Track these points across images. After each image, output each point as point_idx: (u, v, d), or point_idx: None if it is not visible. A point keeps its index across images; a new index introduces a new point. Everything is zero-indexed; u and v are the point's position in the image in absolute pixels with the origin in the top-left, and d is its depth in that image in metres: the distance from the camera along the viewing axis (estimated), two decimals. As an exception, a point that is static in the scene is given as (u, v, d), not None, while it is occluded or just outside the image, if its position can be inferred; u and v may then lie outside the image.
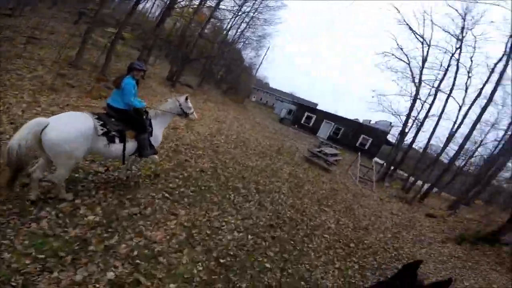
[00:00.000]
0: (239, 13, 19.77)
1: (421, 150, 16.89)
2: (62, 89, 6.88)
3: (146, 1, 21.76)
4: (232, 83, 25.77)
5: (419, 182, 14.99)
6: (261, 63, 28.93)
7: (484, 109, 12.62)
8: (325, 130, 27.98)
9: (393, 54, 16.95)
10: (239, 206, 4.81)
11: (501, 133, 15.73)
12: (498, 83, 12.36)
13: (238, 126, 13.16)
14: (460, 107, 14.07)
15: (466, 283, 5.24)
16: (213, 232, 3.66)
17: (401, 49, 16.53)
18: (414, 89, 16.01)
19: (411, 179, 15.10)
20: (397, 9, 16.40)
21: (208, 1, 16.23)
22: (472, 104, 13.45)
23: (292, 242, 4.37)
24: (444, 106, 14.71)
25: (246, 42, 25.02)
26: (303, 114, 29.44)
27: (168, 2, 11.94)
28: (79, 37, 9.82)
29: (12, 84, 5.80)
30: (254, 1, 20.03)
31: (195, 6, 15.77)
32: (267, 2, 20.95)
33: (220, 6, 16.76)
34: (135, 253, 2.66)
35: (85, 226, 2.76)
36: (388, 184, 14.81)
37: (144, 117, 3.45)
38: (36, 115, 4.78)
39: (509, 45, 12.21)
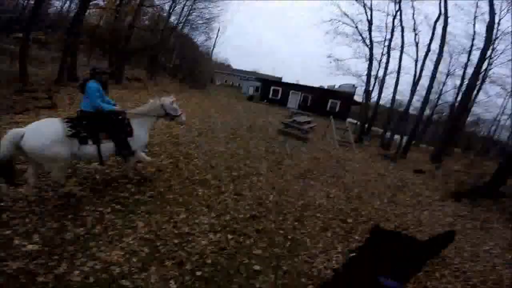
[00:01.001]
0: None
1: (388, 106, 17.62)
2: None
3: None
4: (189, 71, 23.43)
5: (396, 137, 15.26)
6: (214, 46, 27.49)
7: (437, 63, 13.17)
8: (293, 100, 28.19)
9: (339, 21, 17.44)
10: (211, 201, 3.92)
11: (458, 81, 16.94)
12: (443, 39, 13.01)
13: (201, 112, 11.83)
14: (416, 61, 15.07)
15: (486, 247, 4.73)
16: (183, 240, 2.96)
17: (346, 15, 17.12)
18: (367, 50, 16.72)
19: (387, 134, 15.34)
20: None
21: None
22: (425, 58, 14.39)
23: (281, 232, 3.60)
24: (400, 62, 15.70)
25: (193, 26, 22.89)
26: (269, 89, 29.39)
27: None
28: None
29: None
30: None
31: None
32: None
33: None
34: (92, 279, 2.21)
35: (25, 257, 2.30)
36: (368, 142, 14.86)
37: (120, 117, 3.41)
38: None
39: (442, 4, 12.99)
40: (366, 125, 16.80)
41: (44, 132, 2.76)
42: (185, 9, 20.26)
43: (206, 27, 23.94)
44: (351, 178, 7.01)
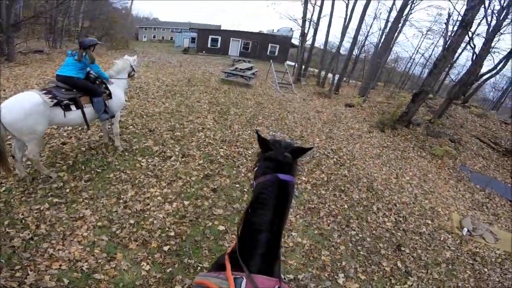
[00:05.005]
0: None
1: (322, 47, 18.71)
2: None
3: None
4: (103, 31, 19.45)
5: (330, 75, 16.45)
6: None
7: (366, 6, 13.76)
8: (234, 48, 27.07)
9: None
10: (158, 169, 3.65)
11: (382, 23, 18.72)
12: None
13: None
14: (347, 5, 15.59)
15: (407, 177, 5.70)
16: (139, 218, 2.77)
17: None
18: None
19: (322, 73, 16.51)
20: None
21: None
22: (355, 3, 14.95)
23: (237, 186, 3.69)
24: (332, 6, 15.82)
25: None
26: (207, 38, 27.42)
27: None
28: None
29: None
30: None
31: None
32: None
33: None
34: (66, 281, 2.00)
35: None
36: (305, 82, 15.81)
37: (98, 82, 3.42)
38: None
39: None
40: (303, 67, 17.53)
41: (20, 106, 2.60)
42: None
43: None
44: (293, 119, 7.44)
